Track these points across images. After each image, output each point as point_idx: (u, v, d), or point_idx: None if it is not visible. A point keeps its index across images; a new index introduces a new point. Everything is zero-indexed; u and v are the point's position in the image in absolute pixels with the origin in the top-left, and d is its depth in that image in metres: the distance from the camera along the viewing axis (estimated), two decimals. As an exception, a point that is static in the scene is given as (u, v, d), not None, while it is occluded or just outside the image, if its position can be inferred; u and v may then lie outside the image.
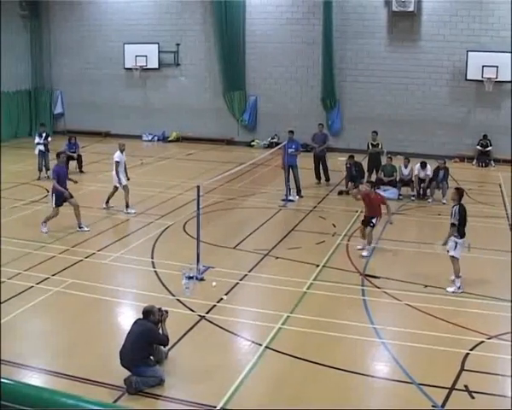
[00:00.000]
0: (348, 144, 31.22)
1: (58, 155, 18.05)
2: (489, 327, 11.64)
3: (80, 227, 17.38)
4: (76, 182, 19.08)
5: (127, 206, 19.49)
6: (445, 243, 13.73)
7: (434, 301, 12.89)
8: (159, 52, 34.78)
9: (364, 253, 15.90)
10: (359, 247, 16.24)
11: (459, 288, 13.50)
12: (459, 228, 13.52)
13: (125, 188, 19.55)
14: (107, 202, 19.72)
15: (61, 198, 17.31)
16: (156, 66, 35.05)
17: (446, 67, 30.98)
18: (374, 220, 16.19)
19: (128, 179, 19.90)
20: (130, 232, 17.44)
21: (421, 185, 22.20)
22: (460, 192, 13.90)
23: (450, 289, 13.51)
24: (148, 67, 35.01)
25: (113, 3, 35.23)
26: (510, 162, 29.21)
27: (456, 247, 13.55)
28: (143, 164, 27.54)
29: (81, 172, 25.05)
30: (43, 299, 12.66)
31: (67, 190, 17.45)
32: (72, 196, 17.45)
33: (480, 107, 30.93)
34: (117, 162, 19.45)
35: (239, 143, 34.38)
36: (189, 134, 35.06)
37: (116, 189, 19.60)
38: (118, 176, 19.34)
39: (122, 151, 19.74)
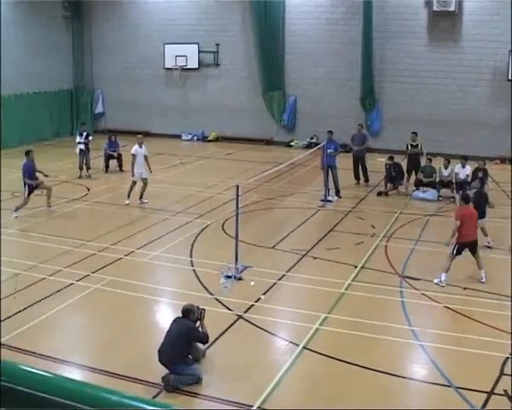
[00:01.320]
0: (387, 145, 31.00)
1: (27, 152, 19.17)
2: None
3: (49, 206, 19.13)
4: (47, 175, 19.68)
5: (141, 196, 20.25)
6: None
7: (473, 304, 12.79)
8: (198, 52, 34.96)
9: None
10: (437, 280, 14.05)
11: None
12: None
13: (144, 181, 20.25)
14: (128, 196, 20.27)
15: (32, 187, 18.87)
16: (196, 66, 35.23)
17: (487, 67, 30.62)
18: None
19: (150, 172, 20.45)
20: (170, 231, 17.57)
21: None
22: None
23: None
24: (188, 66, 35.21)
25: (153, 3, 35.52)
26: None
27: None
28: (182, 163, 27.75)
29: (121, 170, 25.28)
30: (82, 296, 12.85)
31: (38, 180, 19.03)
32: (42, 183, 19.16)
33: (522, 107, 30.54)
34: (133, 155, 20.25)
35: (278, 143, 34.38)
36: (228, 134, 35.17)
37: (134, 183, 20.05)
38: (132, 169, 19.83)
39: (140, 145, 20.54)
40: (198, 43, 34.81)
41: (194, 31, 34.85)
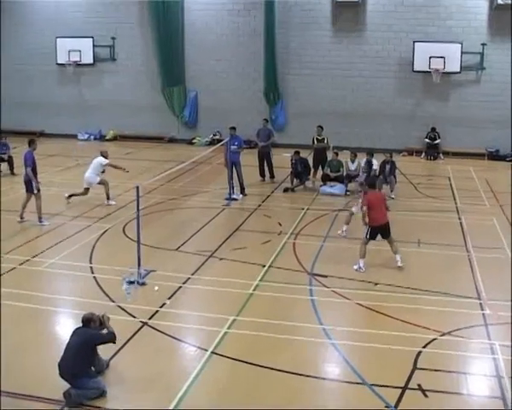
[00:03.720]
0: (293, 140, 31.43)
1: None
2: (441, 324, 11.83)
3: None
4: None
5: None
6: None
7: (385, 299, 13.06)
8: (93, 46, 34.46)
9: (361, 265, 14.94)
10: (357, 267, 14.84)
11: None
12: None
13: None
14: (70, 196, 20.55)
15: None
16: (91, 61, 34.76)
17: (393, 58, 31.49)
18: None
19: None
20: (67, 237, 17.19)
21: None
22: None
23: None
24: (83, 62, 34.66)
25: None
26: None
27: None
28: (79, 165, 27.21)
29: (13, 174, 24.50)
30: (-27, 311, 12.39)
31: None
32: None
33: (428, 99, 31.58)
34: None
35: (180, 140, 34.34)
36: (127, 132, 34.82)
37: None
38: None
39: None
40: (92, 37, 34.33)
41: (88, 23, 34.29)
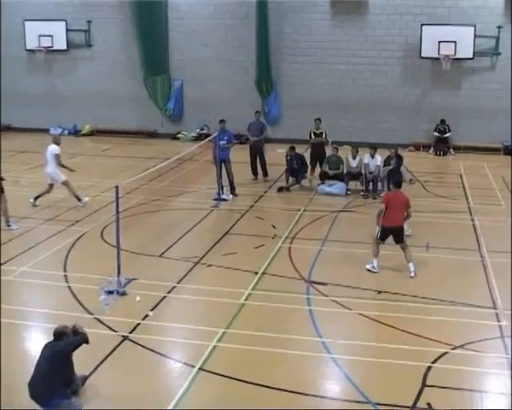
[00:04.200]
0: (288, 134, 31.47)
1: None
2: (452, 336, 11.87)
3: None
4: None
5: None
6: None
7: (389, 309, 13.12)
8: (66, 31, 34.40)
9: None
10: (370, 266, 15.32)
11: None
12: None
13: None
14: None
15: None
16: (64, 47, 34.68)
17: (398, 43, 31.46)
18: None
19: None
20: (38, 242, 17.18)
21: (372, 179, 22.48)
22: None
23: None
24: (55, 48, 34.57)
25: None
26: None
27: None
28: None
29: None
30: None
31: None
32: None
33: (437, 88, 31.57)
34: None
35: (163, 135, 34.31)
36: (105, 127, 34.77)
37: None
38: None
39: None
40: (66, 21, 34.24)
41: (60, 6, 34.21)
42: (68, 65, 35.31)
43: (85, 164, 27.56)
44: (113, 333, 11.98)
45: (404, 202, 15.27)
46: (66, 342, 9.70)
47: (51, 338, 9.90)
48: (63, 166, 20.72)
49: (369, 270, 15.06)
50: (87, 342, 9.85)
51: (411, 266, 14.95)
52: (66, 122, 35.27)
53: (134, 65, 34.26)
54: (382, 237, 15.16)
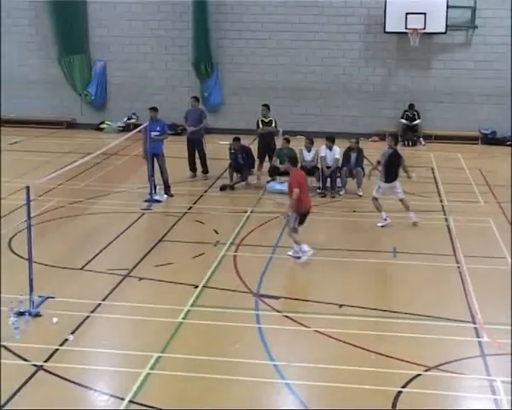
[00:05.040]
0: (232, 123, 31.52)
1: None
2: (425, 356, 11.96)
3: None
4: None
5: None
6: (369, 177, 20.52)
7: (353, 326, 13.18)
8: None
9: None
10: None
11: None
12: (385, 172, 19.15)
13: None
14: None
15: None
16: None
17: (359, 16, 31.64)
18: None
19: None
20: None
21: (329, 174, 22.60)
22: (395, 137, 19.94)
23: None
24: None
25: None
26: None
27: (378, 189, 19.13)
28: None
29: None
30: None
31: None
32: None
33: (404, 68, 31.87)
34: None
35: (83, 125, 34.13)
36: (13, 116, 34.37)
37: None
38: None
39: None
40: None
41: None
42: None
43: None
44: (25, 363, 11.83)
45: (305, 177, 17.20)
46: None
47: None
48: None
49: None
50: None
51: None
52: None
53: (46, 42, 33.89)
54: (301, 222, 16.46)
